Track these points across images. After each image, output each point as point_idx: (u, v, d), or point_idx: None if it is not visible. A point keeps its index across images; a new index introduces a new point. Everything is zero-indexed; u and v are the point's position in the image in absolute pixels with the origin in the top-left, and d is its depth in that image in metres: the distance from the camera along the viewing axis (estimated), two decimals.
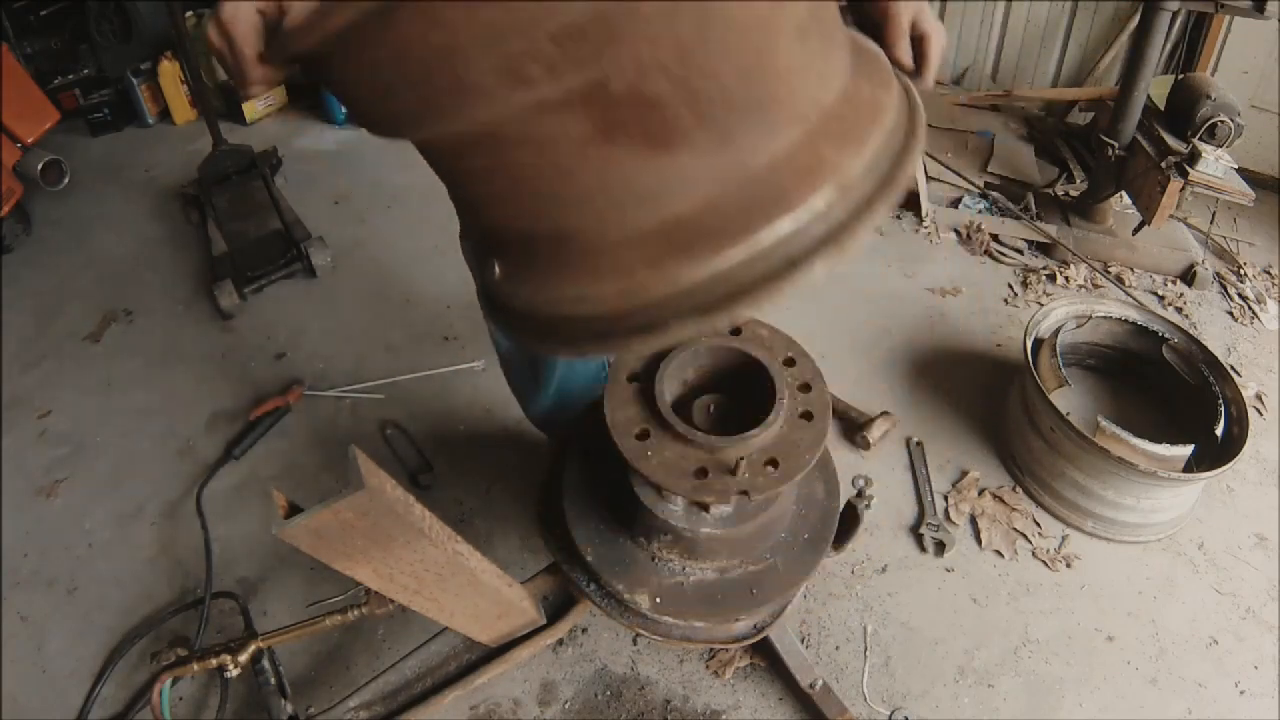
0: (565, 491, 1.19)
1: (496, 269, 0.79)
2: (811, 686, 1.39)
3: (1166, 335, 1.92)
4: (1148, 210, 2.22)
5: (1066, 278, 2.42)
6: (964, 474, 1.85)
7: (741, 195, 0.64)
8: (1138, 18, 2.23)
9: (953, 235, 2.63)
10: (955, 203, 2.74)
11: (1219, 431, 1.71)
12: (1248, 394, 1.93)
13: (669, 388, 1.07)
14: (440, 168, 0.77)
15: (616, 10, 0.56)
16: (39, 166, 2.45)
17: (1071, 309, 1.96)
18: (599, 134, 0.61)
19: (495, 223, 0.76)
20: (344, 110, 3.32)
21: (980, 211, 2.68)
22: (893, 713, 1.44)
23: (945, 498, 1.80)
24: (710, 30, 0.59)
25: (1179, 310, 2.34)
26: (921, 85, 0.88)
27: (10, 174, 2.46)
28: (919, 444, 1.92)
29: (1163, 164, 2.13)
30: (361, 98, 0.69)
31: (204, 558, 1.67)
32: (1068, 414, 1.68)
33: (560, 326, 0.73)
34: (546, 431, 1.64)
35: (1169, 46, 2.81)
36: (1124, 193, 2.42)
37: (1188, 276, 2.42)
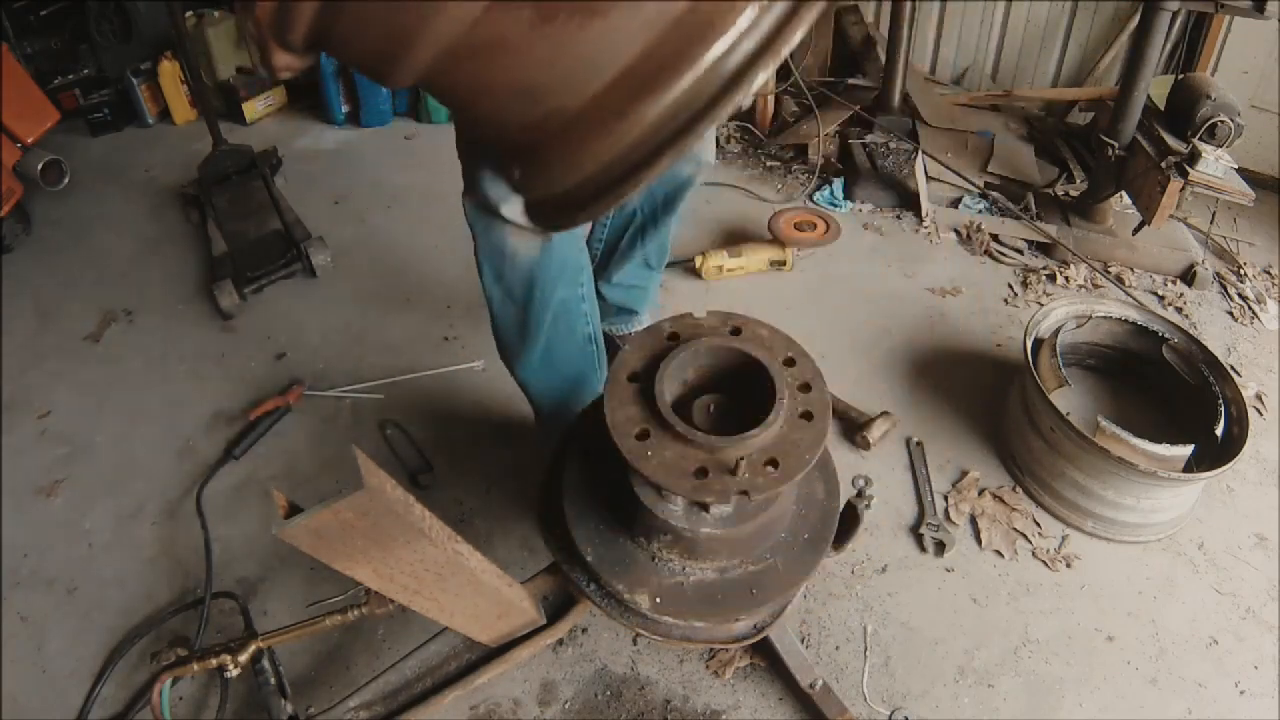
0: (565, 491, 1.19)
1: (516, 173, 0.93)
2: (811, 686, 1.39)
3: (1166, 335, 1.92)
4: (1148, 210, 2.22)
5: (1066, 278, 2.42)
6: (964, 474, 1.85)
7: (674, 34, 0.76)
8: (1138, 18, 2.23)
9: (953, 235, 2.63)
10: (955, 203, 2.74)
11: (1219, 431, 1.71)
12: (1248, 394, 1.93)
13: (669, 388, 1.07)
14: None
15: None
16: (39, 166, 2.45)
17: (1071, 309, 1.96)
18: (540, 18, 0.74)
19: (498, 131, 0.90)
20: (344, 110, 3.33)
21: (980, 211, 2.68)
22: (893, 713, 1.44)
23: (945, 498, 1.80)
24: None
25: (1179, 310, 2.34)
26: None
27: (10, 174, 2.46)
28: (919, 444, 1.92)
29: (1163, 164, 2.13)
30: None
31: (204, 558, 1.67)
32: (1068, 414, 1.68)
33: (577, 192, 0.86)
34: (531, 393, 1.66)
35: (1169, 46, 2.81)
36: (1124, 193, 2.42)
37: (1188, 276, 2.42)
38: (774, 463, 1.01)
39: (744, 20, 0.75)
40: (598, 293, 1.87)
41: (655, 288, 2.05)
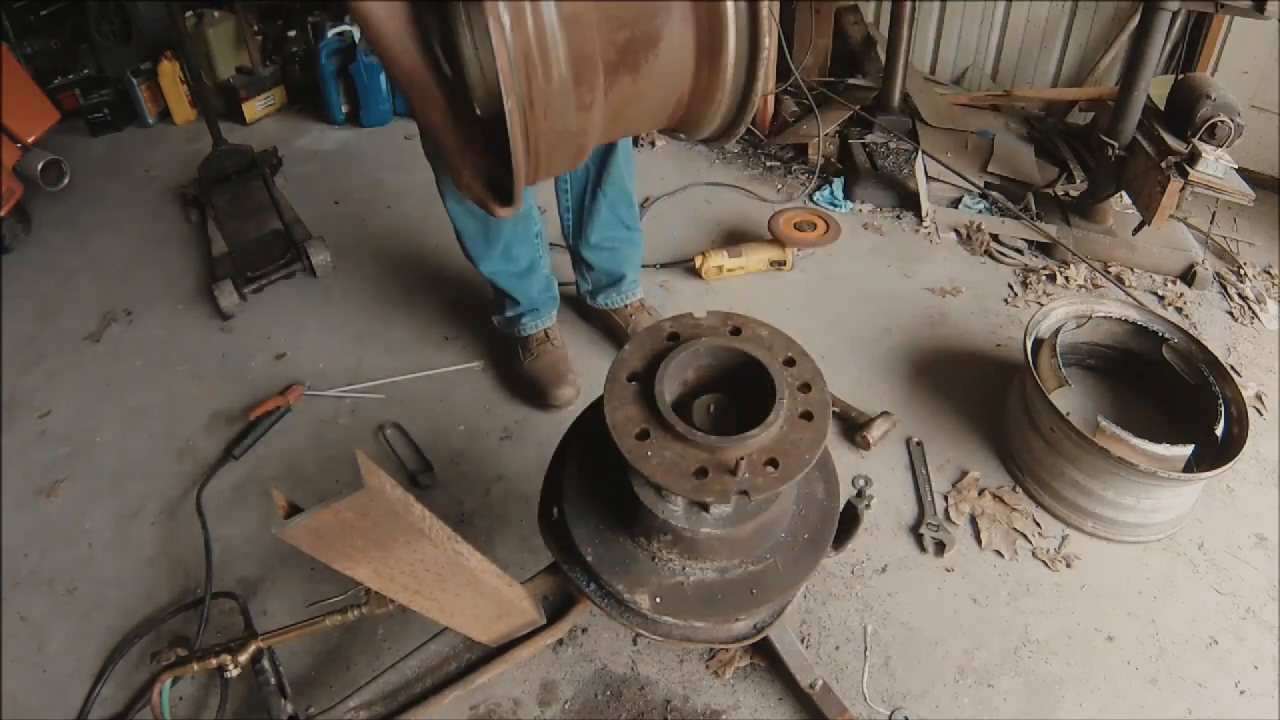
0: (565, 491, 1.19)
1: None
2: (811, 686, 1.39)
3: (1166, 335, 1.92)
4: (1148, 210, 2.22)
5: (1066, 278, 2.42)
6: (964, 474, 1.85)
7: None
8: (1138, 18, 2.23)
9: (953, 235, 2.63)
10: (955, 203, 2.74)
11: (1219, 431, 1.71)
12: (1248, 394, 1.93)
13: (669, 388, 1.07)
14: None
15: None
16: (39, 166, 2.45)
17: (1071, 309, 1.96)
18: (632, 76, 0.99)
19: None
20: (344, 110, 3.33)
21: (980, 211, 2.68)
22: (893, 713, 1.44)
23: (945, 498, 1.81)
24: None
25: (1179, 310, 2.34)
26: None
27: (10, 174, 2.46)
28: (919, 444, 1.92)
29: (1163, 164, 2.13)
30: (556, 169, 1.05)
31: (204, 558, 1.67)
32: (1068, 414, 1.68)
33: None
34: (497, 282, 1.96)
35: (1169, 46, 2.81)
36: (1124, 193, 2.42)
37: (1188, 276, 2.42)
38: (774, 463, 1.01)
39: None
40: (583, 259, 2.08)
41: (637, 252, 2.09)
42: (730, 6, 0.95)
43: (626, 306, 2.14)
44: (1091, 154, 2.70)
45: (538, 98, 0.90)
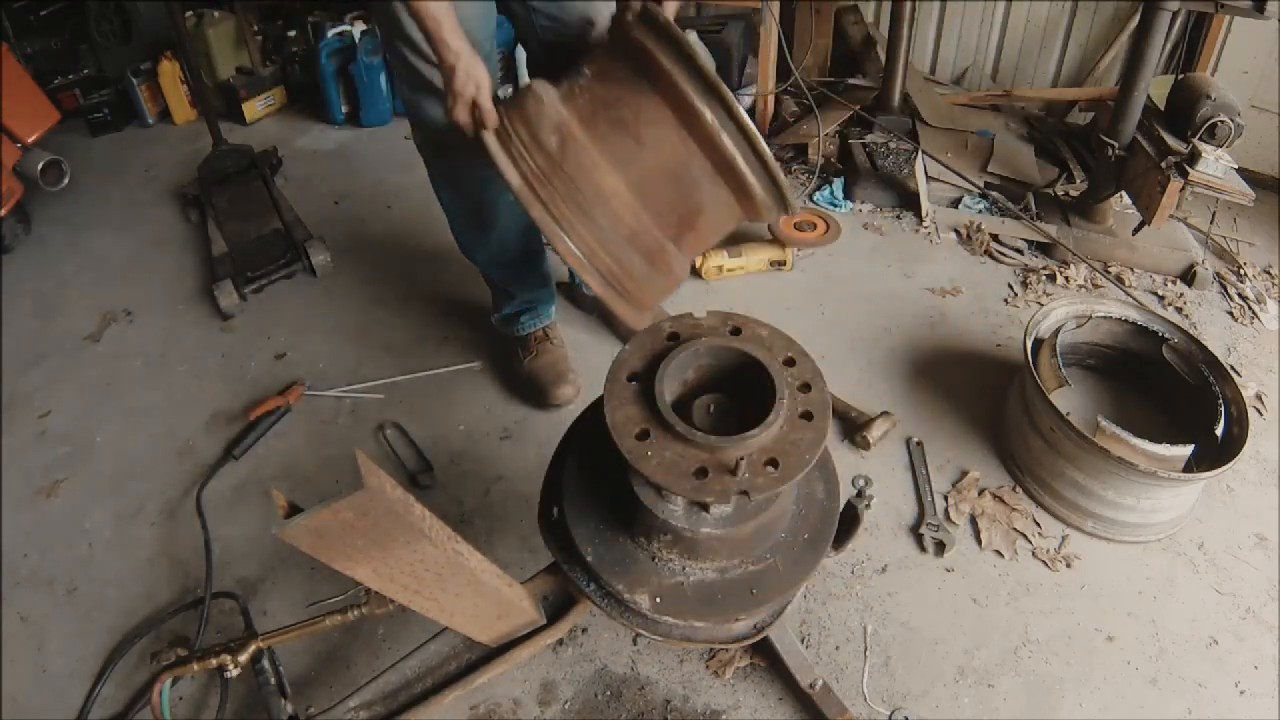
0: (565, 491, 1.19)
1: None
2: (811, 686, 1.39)
3: (1166, 335, 1.92)
4: (1148, 210, 2.22)
5: (1066, 278, 2.42)
6: (964, 474, 1.85)
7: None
8: (1138, 18, 2.23)
9: (953, 235, 2.63)
10: (955, 203, 2.74)
11: (1219, 431, 1.71)
12: (1248, 394, 1.93)
13: (669, 388, 1.07)
14: None
15: None
16: (39, 166, 2.45)
17: (1071, 309, 1.96)
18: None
19: None
20: (344, 110, 3.33)
21: (980, 211, 2.68)
22: (893, 713, 1.44)
23: (945, 498, 1.80)
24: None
25: (1179, 310, 2.34)
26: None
27: (10, 174, 2.46)
28: (919, 444, 1.92)
29: (1163, 164, 2.13)
30: None
31: (204, 558, 1.67)
32: (1068, 414, 1.68)
33: None
34: (489, 270, 1.96)
35: (1169, 46, 2.81)
36: (1124, 193, 2.42)
37: (1188, 276, 2.42)
38: (774, 463, 1.01)
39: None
40: None
41: None
42: (728, 142, 1.09)
43: None
44: (1091, 154, 2.70)
45: (631, 289, 1.19)
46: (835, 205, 2.78)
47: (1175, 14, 2.36)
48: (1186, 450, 1.63)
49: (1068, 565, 1.68)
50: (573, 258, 1.13)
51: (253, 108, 3.38)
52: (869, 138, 2.90)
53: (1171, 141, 2.16)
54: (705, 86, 1.07)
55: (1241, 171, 2.12)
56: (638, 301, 1.21)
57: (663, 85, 1.10)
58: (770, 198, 1.16)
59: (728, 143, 1.10)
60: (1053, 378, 1.78)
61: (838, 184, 2.83)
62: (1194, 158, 2.07)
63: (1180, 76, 2.27)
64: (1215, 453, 1.69)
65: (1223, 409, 1.74)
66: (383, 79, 3.22)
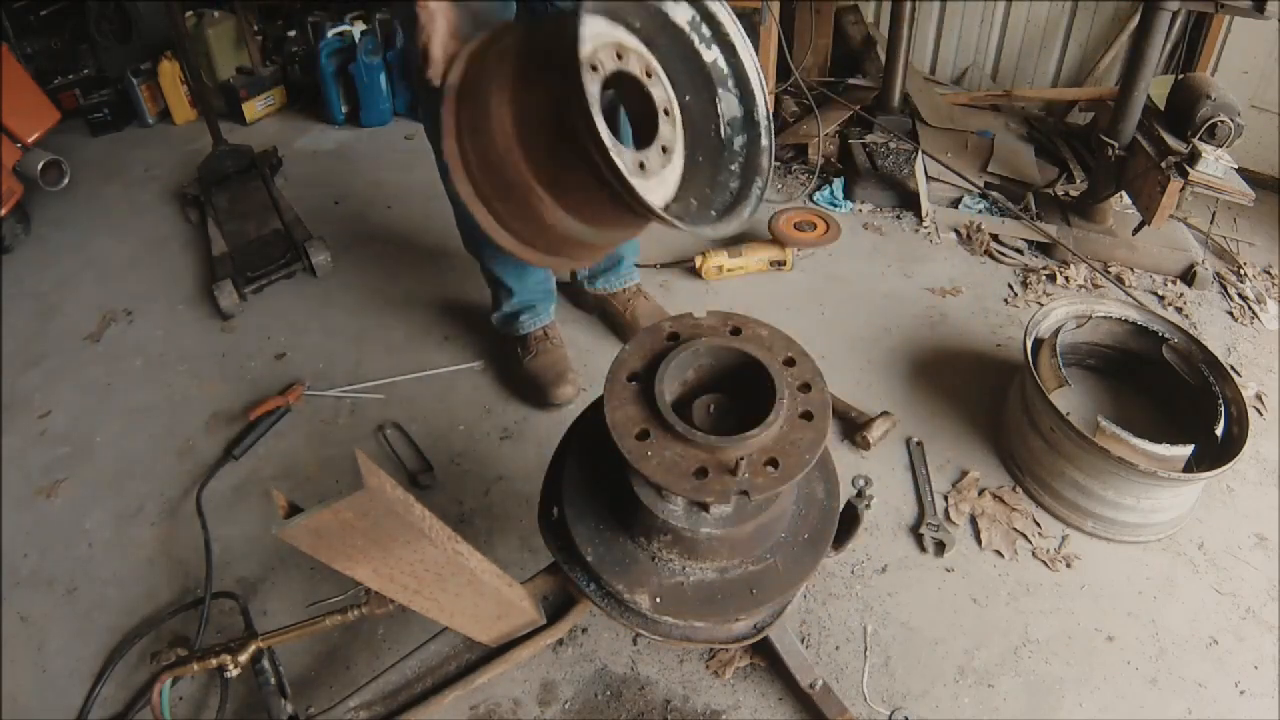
0: (565, 491, 1.19)
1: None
2: (811, 686, 1.39)
3: (1166, 335, 1.92)
4: (1148, 210, 2.22)
5: (1066, 278, 2.42)
6: (964, 474, 1.85)
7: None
8: (1138, 18, 2.23)
9: (953, 235, 2.63)
10: (955, 203, 2.74)
11: (1219, 431, 1.71)
12: (1248, 394, 1.93)
13: (669, 388, 1.07)
14: None
15: None
16: (39, 166, 2.45)
17: (1071, 309, 1.96)
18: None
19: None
20: (344, 110, 3.33)
21: (980, 211, 2.68)
22: (893, 713, 1.44)
23: (945, 498, 1.80)
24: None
25: (1179, 310, 2.34)
26: None
27: (10, 174, 2.46)
28: (919, 444, 1.92)
29: (1163, 164, 2.13)
30: None
31: (204, 558, 1.67)
32: (1068, 414, 1.68)
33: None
34: (492, 264, 1.95)
35: (1169, 46, 2.81)
36: (1124, 193, 2.42)
37: (1188, 276, 2.42)
38: (774, 463, 1.01)
39: None
40: None
41: None
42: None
43: (624, 291, 2.14)
44: (1091, 154, 2.70)
45: (499, 210, 1.10)
46: (835, 205, 2.78)
47: (1175, 14, 2.36)
48: (1186, 450, 1.63)
49: (1068, 565, 1.68)
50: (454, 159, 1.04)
51: (253, 108, 3.38)
52: (869, 138, 2.90)
53: (1171, 141, 2.16)
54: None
55: (1241, 171, 2.12)
56: (511, 230, 1.10)
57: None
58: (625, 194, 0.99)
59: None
60: (1053, 378, 1.78)
61: (838, 184, 2.83)
62: (1194, 158, 2.07)
63: (1180, 76, 2.27)
64: (1215, 453, 1.69)
65: (1223, 409, 1.74)
66: (383, 79, 3.22)
